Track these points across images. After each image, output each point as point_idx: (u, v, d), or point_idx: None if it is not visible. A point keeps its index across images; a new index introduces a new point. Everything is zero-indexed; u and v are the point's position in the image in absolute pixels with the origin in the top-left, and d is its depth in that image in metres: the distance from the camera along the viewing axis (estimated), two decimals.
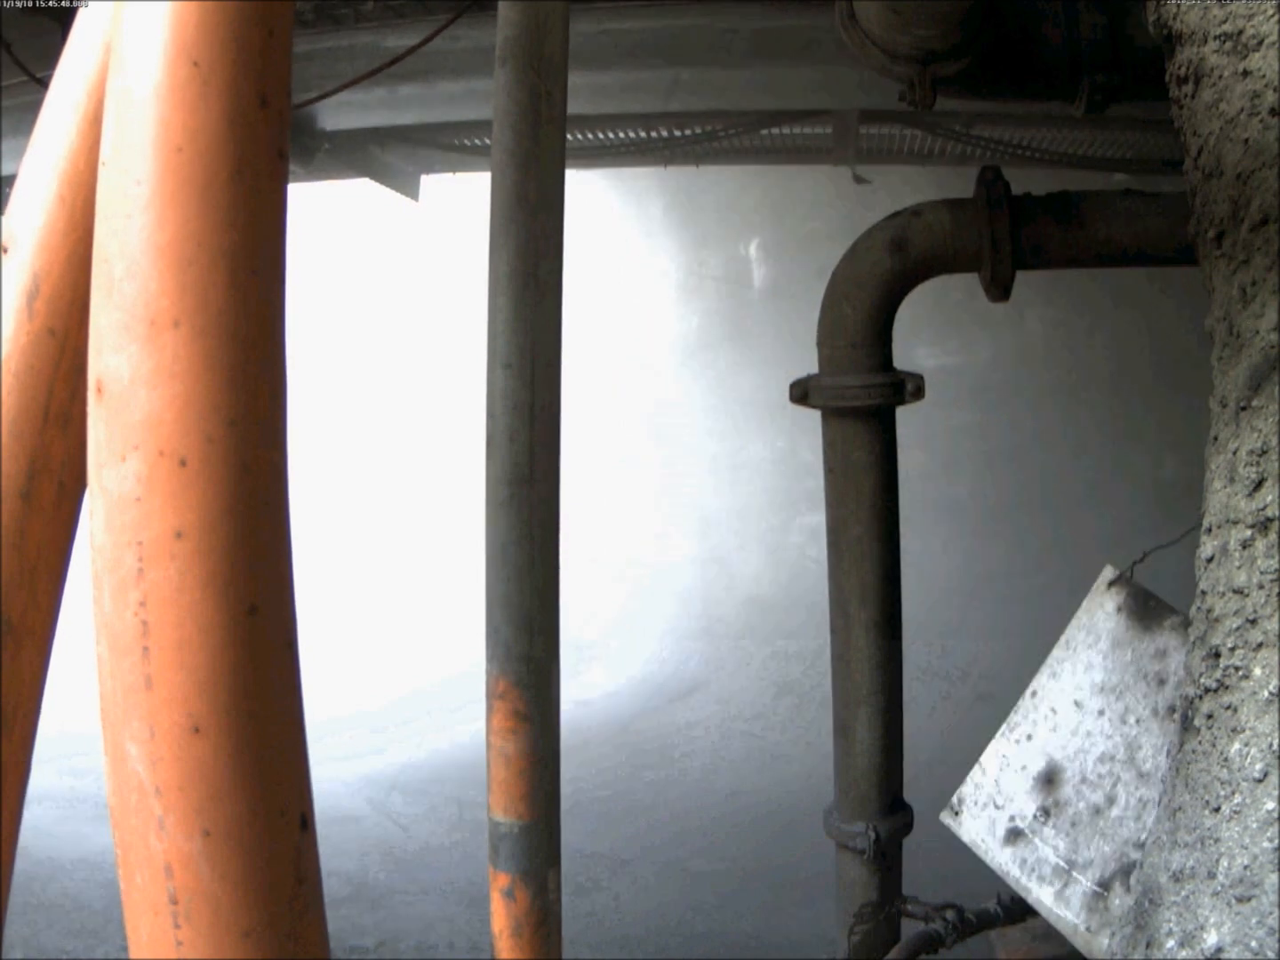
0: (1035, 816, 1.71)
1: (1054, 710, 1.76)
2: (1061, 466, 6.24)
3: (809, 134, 4.44)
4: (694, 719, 5.88)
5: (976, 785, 1.81)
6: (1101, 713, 1.70)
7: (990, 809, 1.77)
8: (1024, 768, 1.76)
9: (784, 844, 4.12)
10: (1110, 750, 1.68)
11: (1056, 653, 1.79)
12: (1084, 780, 1.68)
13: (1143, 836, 1.58)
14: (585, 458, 6.45)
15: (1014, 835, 1.72)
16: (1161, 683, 1.66)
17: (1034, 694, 1.79)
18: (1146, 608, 1.72)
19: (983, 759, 1.82)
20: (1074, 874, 1.64)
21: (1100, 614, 1.75)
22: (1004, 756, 1.79)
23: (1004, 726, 1.81)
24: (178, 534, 0.54)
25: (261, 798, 0.56)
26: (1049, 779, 1.72)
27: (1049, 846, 1.68)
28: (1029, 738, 1.77)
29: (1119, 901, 1.57)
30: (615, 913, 3.88)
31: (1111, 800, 1.65)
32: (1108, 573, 1.78)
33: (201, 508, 0.54)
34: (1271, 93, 1.11)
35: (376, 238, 7.30)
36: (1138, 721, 1.66)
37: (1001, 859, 1.73)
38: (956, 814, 1.81)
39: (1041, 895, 1.67)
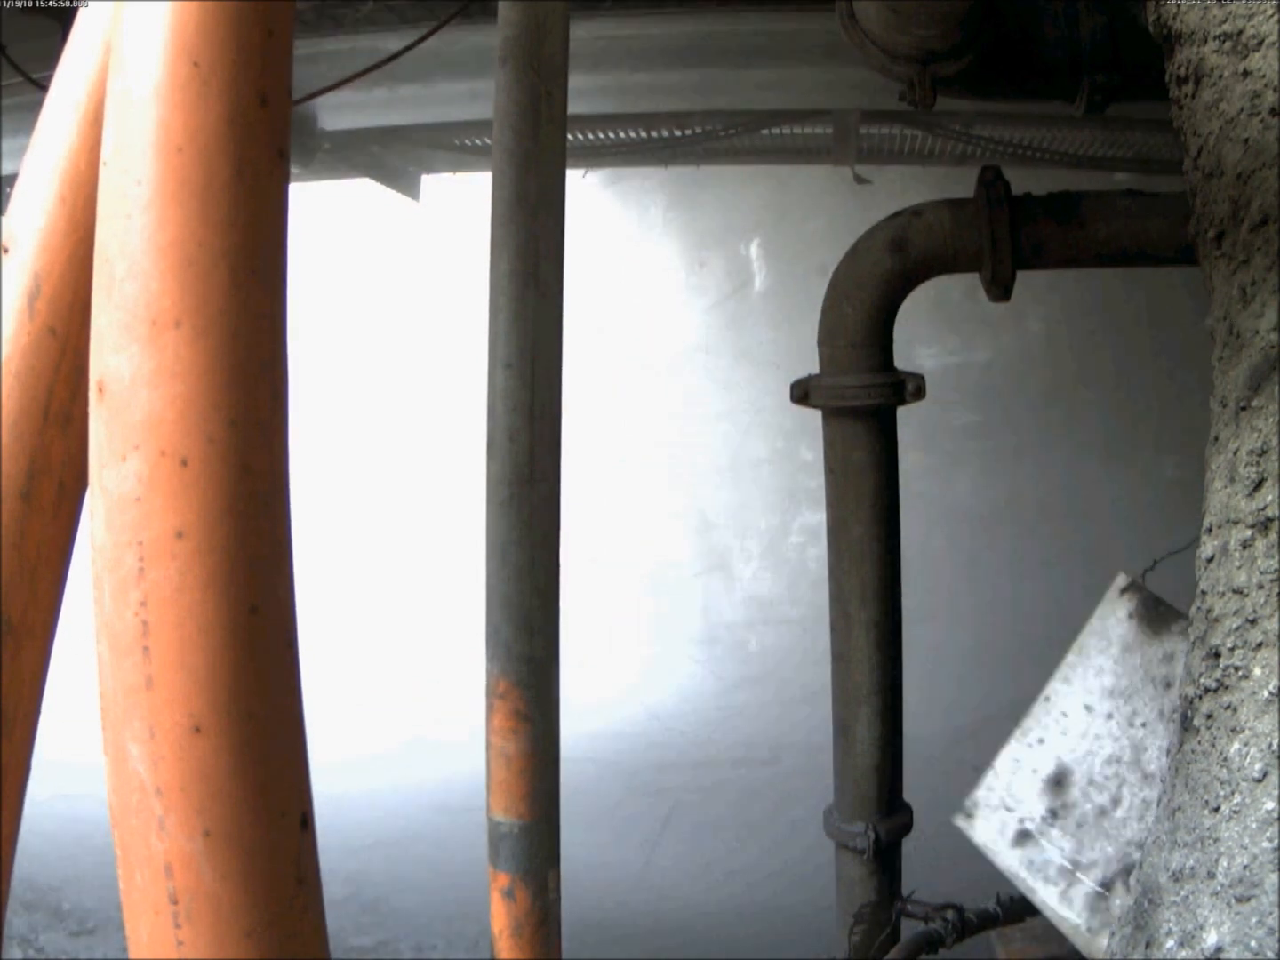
0: (1043, 818, 1.73)
1: (1065, 714, 1.78)
2: (1062, 466, 6.23)
3: (809, 134, 4.44)
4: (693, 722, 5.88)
5: (989, 788, 1.82)
6: (1110, 716, 1.72)
7: (1001, 811, 1.79)
8: (1035, 770, 1.78)
9: None
10: (1117, 752, 1.69)
11: (1069, 658, 1.81)
12: (1091, 782, 1.70)
13: (1145, 837, 1.59)
14: (585, 458, 6.45)
15: (1023, 837, 1.74)
16: (1168, 686, 1.67)
17: (1047, 699, 1.81)
18: (1156, 612, 1.74)
19: (996, 762, 1.84)
20: (1078, 875, 1.65)
21: (1112, 619, 1.78)
22: (1016, 760, 1.81)
23: (1017, 730, 1.83)
24: (178, 534, 0.54)
25: (262, 798, 0.56)
26: (1058, 781, 1.74)
27: (1055, 848, 1.69)
28: (1041, 741, 1.79)
29: (1120, 902, 1.58)
30: None
31: (1117, 802, 1.66)
32: (1120, 579, 1.79)
33: (202, 508, 0.54)
34: (1271, 93, 1.11)
35: (376, 238, 7.30)
36: (1144, 724, 1.68)
37: (1010, 860, 1.75)
38: (970, 817, 1.83)
39: (1046, 896, 1.68)
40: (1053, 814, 1.72)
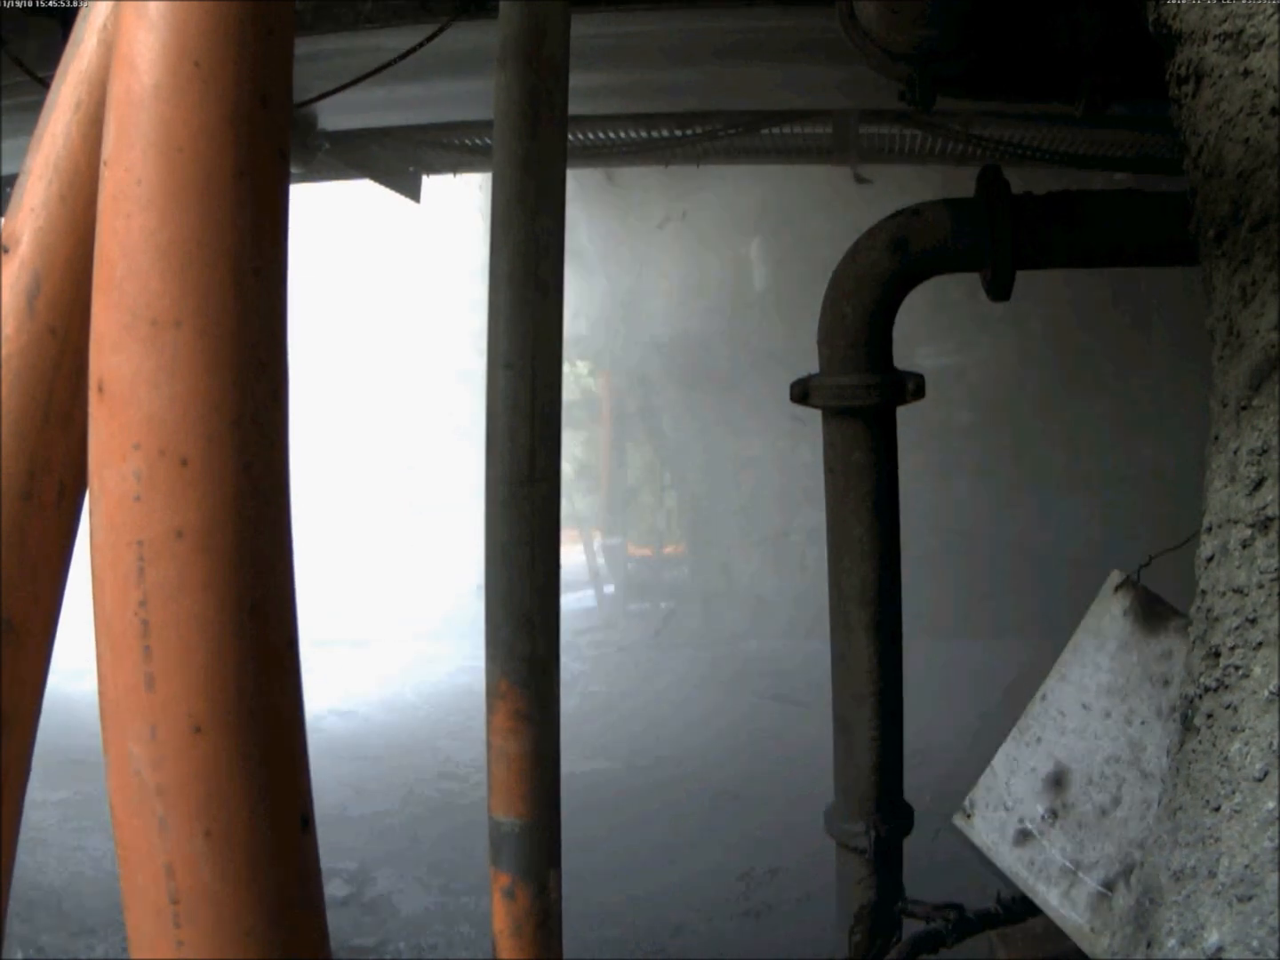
0: (1043, 818, 1.72)
1: (1062, 713, 1.76)
2: (1061, 466, 6.24)
3: (809, 134, 4.43)
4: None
5: (988, 788, 1.81)
6: (1108, 714, 1.71)
7: (1000, 811, 1.78)
8: (1033, 770, 1.77)
9: None
10: (1116, 752, 1.68)
11: (1065, 656, 1.80)
12: (1090, 782, 1.69)
13: (1146, 836, 1.58)
14: (585, 457, 6.45)
15: (1023, 837, 1.73)
16: (1166, 684, 1.66)
17: (1044, 697, 1.80)
18: (1152, 610, 1.73)
19: (994, 762, 1.83)
20: (1080, 875, 1.64)
21: (1107, 617, 1.76)
22: (1014, 759, 1.79)
23: (1015, 729, 1.82)
24: (178, 533, 0.54)
25: (262, 798, 0.56)
26: (1057, 781, 1.73)
27: (1056, 848, 1.68)
28: (1038, 740, 1.78)
29: (1122, 901, 1.57)
30: None
31: (1117, 801, 1.65)
32: (1114, 577, 1.79)
33: (202, 507, 0.54)
34: (1272, 92, 1.11)
35: (377, 238, 7.30)
36: (1143, 723, 1.67)
37: (1010, 860, 1.74)
38: (969, 817, 1.81)
39: (1049, 896, 1.68)
40: (1052, 813, 1.71)
